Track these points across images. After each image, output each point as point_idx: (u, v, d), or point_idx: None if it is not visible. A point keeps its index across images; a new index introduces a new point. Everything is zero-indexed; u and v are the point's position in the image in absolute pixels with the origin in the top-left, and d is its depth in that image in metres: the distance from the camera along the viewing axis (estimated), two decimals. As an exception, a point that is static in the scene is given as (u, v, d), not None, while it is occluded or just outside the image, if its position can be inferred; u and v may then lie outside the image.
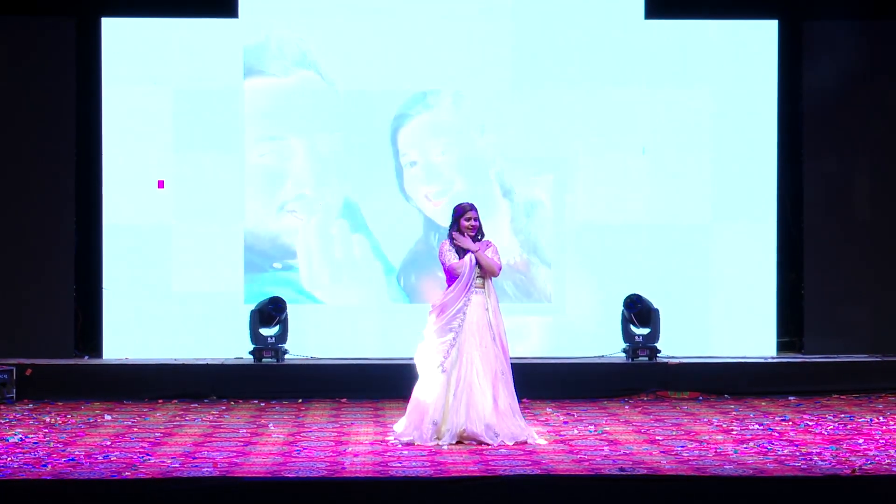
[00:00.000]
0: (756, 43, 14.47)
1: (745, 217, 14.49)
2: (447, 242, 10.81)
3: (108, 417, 12.16)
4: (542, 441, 10.58)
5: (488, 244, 10.77)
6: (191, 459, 9.87)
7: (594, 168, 14.43)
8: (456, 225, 10.76)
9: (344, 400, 13.26)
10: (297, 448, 10.44)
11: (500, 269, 10.80)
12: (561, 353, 14.30)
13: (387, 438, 10.80)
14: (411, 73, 14.39)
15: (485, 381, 10.53)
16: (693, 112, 14.47)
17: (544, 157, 14.37)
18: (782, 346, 14.60)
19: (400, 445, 10.47)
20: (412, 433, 10.57)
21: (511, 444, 10.41)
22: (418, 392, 10.69)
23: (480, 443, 10.40)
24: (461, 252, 10.70)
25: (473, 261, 10.65)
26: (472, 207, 10.80)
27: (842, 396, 13.41)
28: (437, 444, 10.40)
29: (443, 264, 10.80)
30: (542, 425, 11.54)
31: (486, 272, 10.68)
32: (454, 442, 10.43)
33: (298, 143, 14.45)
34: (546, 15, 14.33)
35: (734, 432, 11.13)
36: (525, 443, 10.48)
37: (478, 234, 10.79)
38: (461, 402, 10.49)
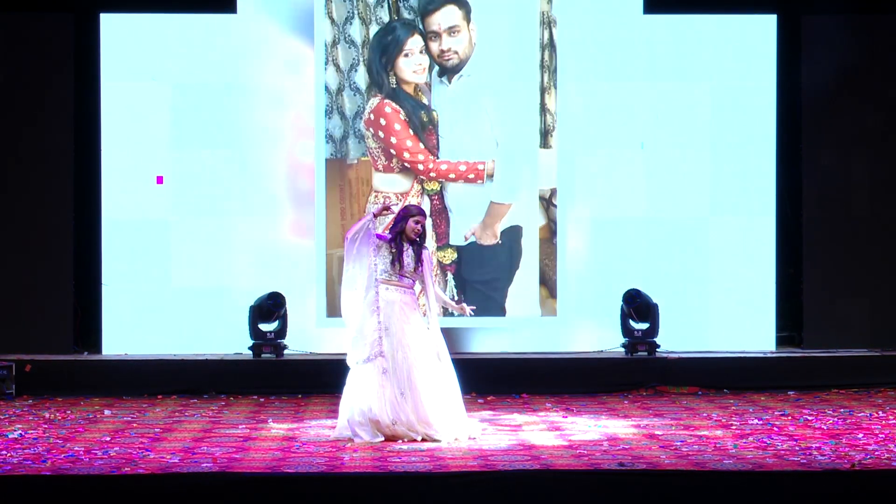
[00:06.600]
0: (755, 38, 14.46)
1: (744, 211, 14.48)
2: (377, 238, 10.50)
3: (107, 413, 12.16)
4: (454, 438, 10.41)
5: (429, 259, 10.67)
6: (190, 455, 9.87)
7: (593, 162, 14.41)
8: (403, 224, 10.54)
9: (343, 395, 13.23)
10: (297, 443, 10.44)
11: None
12: (560, 347, 14.30)
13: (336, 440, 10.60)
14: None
15: (424, 374, 10.45)
16: (692, 106, 14.46)
17: (542, 151, 14.34)
18: (781, 341, 14.60)
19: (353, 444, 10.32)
20: (361, 432, 10.44)
21: (452, 438, 10.32)
22: (358, 391, 10.55)
23: (425, 438, 10.32)
24: (398, 253, 10.50)
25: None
26: (421, 213, 10.63)
27: (841, 391, 13.41)
28: (387, 440, 10.32)
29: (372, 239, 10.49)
30: (539, 418, 11.56)
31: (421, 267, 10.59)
32: (409, 438, 10.33)
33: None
34: (544, 9, 14.30)
35: (733, 427, 11.13)
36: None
37: (420, 237, 10.58)
38: (408, 400, 10.40)
